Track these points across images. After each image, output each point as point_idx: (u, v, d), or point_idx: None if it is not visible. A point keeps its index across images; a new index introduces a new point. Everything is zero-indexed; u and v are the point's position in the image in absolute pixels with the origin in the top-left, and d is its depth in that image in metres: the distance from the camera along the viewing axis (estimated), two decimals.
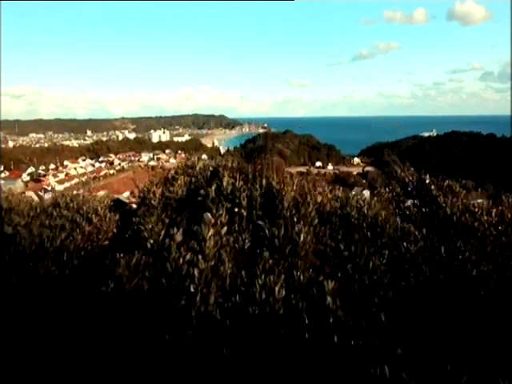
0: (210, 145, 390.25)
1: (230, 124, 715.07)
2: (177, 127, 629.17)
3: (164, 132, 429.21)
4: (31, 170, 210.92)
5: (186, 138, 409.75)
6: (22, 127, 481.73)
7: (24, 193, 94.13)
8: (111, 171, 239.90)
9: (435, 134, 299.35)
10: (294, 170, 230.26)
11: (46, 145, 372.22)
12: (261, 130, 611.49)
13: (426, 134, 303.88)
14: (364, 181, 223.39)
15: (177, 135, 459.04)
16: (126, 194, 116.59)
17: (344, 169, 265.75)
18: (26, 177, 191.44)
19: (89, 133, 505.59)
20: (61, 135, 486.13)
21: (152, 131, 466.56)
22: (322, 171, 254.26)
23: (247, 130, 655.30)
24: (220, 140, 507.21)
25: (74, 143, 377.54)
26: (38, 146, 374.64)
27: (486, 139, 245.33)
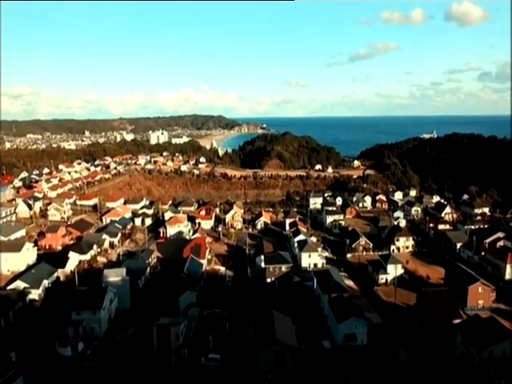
0: (208, 146, 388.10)
1: (229, 124, 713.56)
2: (175, 127, 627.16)
3: (162, 133, 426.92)
4: (24, 174, 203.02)
5: (185, 139, 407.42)
6: (19, 128, 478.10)
7: (14, 200, 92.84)
8: (107, 175, 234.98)
9: (435, 136, 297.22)
10: (293, 173, 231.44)
11: (44, 146, 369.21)
12: (260, 131, 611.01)
13: (427, 136, 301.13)
14: (365, 185, 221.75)
15: (175, 136, 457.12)
16: (121, 201, 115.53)
17: (344, 172, 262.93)
18: (18, 182, 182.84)
19: (87, 133, 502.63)
20: (58, 136, 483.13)
21: (150, 132, 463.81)
22: (322, 174, 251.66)
23: (246, 130, 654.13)
24: (219, 141, 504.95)
25: (72, 144, 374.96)
26: (34, 147, 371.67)
27: (487, 141, 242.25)
